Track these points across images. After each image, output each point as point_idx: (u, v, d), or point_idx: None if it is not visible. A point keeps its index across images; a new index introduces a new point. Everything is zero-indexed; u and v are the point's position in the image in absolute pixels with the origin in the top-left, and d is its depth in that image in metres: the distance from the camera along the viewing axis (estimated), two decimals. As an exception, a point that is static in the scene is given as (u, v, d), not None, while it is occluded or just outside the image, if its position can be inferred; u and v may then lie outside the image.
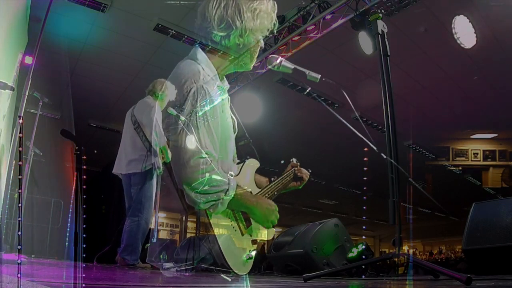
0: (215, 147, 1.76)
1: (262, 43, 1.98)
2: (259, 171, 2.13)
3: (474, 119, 7.68)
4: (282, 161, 2.26)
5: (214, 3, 1.84)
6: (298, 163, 2.24)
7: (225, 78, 2.04)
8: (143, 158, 3.63)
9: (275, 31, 2.01)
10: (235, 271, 1.73)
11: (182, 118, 1.68)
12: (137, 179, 3.66)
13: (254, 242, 1.87)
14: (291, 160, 2.26)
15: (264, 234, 1.98)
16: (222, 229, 1.76)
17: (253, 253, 1.83)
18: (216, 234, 1.71)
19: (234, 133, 2.02)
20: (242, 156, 2.05)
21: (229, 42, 1.87)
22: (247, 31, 1.83)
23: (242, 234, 1.84)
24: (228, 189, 1.70)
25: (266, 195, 2.04)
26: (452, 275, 1.75)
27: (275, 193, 2.08)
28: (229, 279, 1.68)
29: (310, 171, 2.24)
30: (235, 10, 1.81)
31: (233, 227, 1.82)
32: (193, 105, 1.70)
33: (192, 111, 1.70)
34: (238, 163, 2.04)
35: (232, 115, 2.00)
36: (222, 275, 1.71)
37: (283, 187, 2.16)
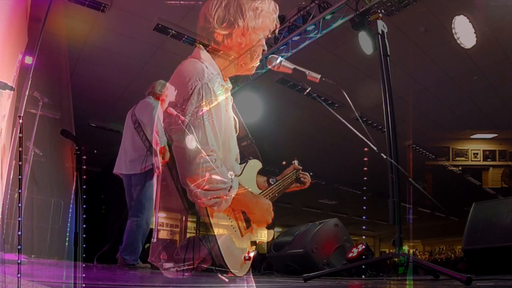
0: (218, 145, 1.77)
1: (264, 45, 1.98)
2: (260, 171, 2.12)
3: (474, 119, 7.67)
4: (284, 162, 2.26)
5: (216, 4, 1.85)
6: (301, 167, 2.24)
7: (228, 79, 2.04)
8: (143, 158, 3.63)
9: (276, 32, 2.01)
10: (234, 272, 1.73)
11: (186, 116, 1.69)
12: (137, 179, 3.66)
13: (253, 243, 1.87)
14: (293, 161, 2.26)
15: (264, 235, 1.98)
16: (222, 229, 1.76)
17: (252, 254, 1.83)
18: (216, 234, 1.71)
19: (236, 133, 2.03)
20: (244, 156, 2.06)
21: (231, 42, 1.88)
22: (249, 29, 1.83)
23: (242, 235, 1.84)
24: (231, 187, 1.71)
25: (268, 196, 2.04)
26: (452, 275, 1.75)
27: (276, 194, 2.08)
28: (227, 280, 1.68)
29: (311, 173, 2.25)
30: (237, 9, 1.81)
31: (233, 228, 1.82)
32: (198, 103, 1.72)
33: (197, 108, 1.71)
34: (240, 163, 2.04)
35: (234, 116, 2.01)
36: (219, 275, 1.70)
37: (284, 189, 2.16)
